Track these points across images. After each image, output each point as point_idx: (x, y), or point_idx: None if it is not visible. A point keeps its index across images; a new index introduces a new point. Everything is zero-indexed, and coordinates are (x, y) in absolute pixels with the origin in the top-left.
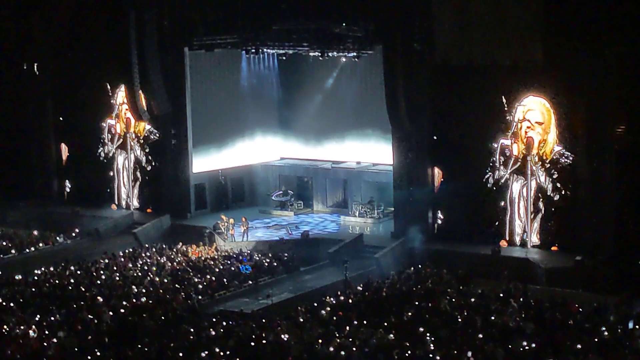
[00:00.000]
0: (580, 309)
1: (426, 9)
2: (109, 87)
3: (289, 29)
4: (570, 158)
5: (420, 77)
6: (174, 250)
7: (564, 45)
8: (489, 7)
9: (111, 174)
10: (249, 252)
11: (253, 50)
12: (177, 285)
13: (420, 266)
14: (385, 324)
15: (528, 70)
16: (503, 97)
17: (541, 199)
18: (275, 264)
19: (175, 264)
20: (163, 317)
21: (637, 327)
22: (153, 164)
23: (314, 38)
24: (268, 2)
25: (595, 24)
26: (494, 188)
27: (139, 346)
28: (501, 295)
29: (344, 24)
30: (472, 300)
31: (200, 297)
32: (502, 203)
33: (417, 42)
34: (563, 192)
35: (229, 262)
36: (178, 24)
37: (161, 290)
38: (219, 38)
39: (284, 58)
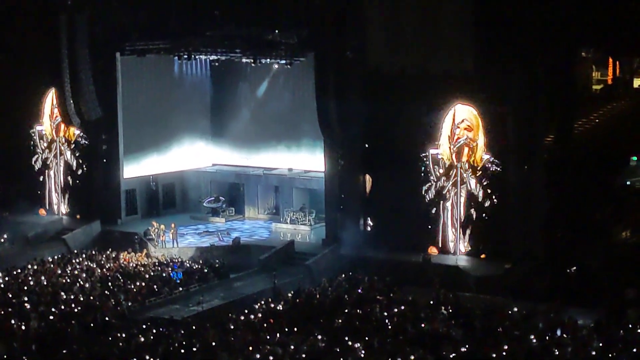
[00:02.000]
0: (510, 317)
1: (359, 17)
2: (39, 91)
3: (222, 35)
4: (499, 167)
5: (352, 85)
6: (104, 256)
7: (494, 56)
8: (421, 17)
9: (41, 179)
10: (180, 258)
11: (185, 56)
12: (107, 292)
13: (351, 273)
14: (316, 331)
15: (459, 79)
16: (432, 104)
17: (472, 207)
18: (206, 270)
19: (105, 270)
20: (92, 324)
21: (564, 335)
22: (83, 168)
23: (247, 44)
24: (201, 8)
25: (525, 35)
26: (426, 195)
27: (67, 353)
28: (431, 302)
29: (276, 31)
30: (403, 307)
31: (130, 304)
32: (434, 210)
33: (350, 50)
34: (493, 200)
35: (159, 268)
36: (110, 29)
37: (91, 297)
38: (151, 43)
39: (217, 64)
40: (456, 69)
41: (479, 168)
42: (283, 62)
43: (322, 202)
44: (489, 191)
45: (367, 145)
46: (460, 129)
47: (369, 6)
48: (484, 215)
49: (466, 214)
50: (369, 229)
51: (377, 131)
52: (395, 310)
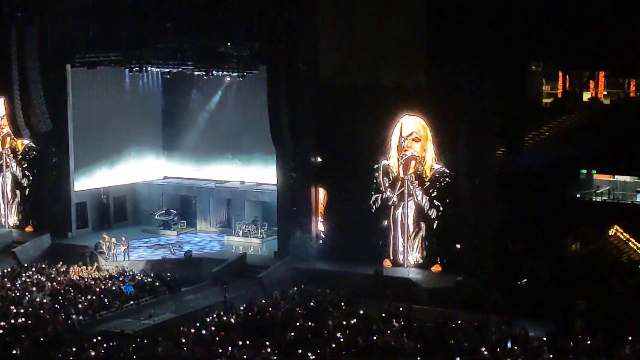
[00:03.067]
0: (461, 329)
1: (311, 30)
2: None
3: (174, 47)
4: (448, 178)
5: (305, 98)
6: (55, 269)
7: (445, 69)
8: (373, 30)
9: None
10: (131, 271)
11: (137, 69)
12: (57, 306)
13: (303, 286)
14: (268, 344)
15: (411, 92)
16: (382, 116)
17: (421, 218)
18: (157, 283)
19: (55, 283)
20: (42, 338)
21: (515, 346)
22: (31, 180)
23: (199, 57)
24: (153, 20)
25: (476, 49)
26: (377, 207)
27: None
28: (383, 315)
29: (228, 44)
30: (355, 320)
31: (81, 318)
32: (385, 222)
33: (302, 62)
34: (442, 211)
35: (110, 281)
36: (60, 41)
37: (41, 311)
38: (102, 55)
39: (168, 76)
40: (408, 82)
41: (427, 180)
42: (235, 74)
43: (274, 214)
44: (436, 203)
45: (319, 159)
46: (408, 140)
47: (321, 19)
48: (432, 227)
49: (415, 226)
50: (321, 241)
51: (329, 143)
52: (348, 322)
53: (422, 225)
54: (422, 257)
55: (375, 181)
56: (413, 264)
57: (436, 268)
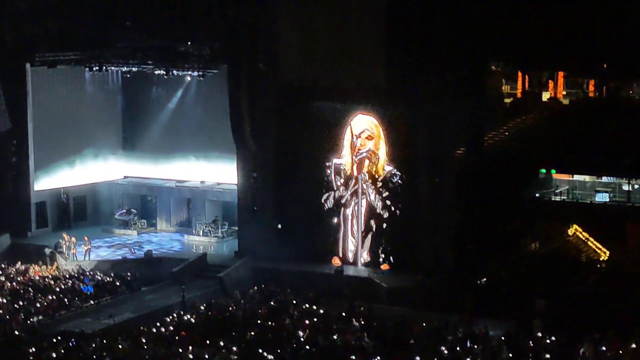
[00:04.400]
0: (421, 328)
1: (271, 29)
2: None
3: (134, 47)
4: (401, 180)
5: (265, 98)
6: (14, 269)
7: (405, 68)
8: (334, 30)
9: None
10: (90, 271)
11: (96, 68)
12: (16, 305)
13: (264, 285)
14: (229, 343)
15: (370, 91)
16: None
17: (372, 217)
18: (117, 283)
19: (14, 283)
20: (1, 338)
21: (475, 345)
22: None
23: (159, 56)
24: (112, 19)
25: (435, 48)
26: (325, 205)
27: None
28: (343, 314)
29: (189, 43)
30: (315, 319)
31: (40, 317)
32: (335, 220)
33: (262, 62)
34: (394, 210)
35: (70, 281)
36: (20, 39)
37: (0, 310)
38: (61, 54)
39: (129, 76)
40: (368, 82)
41: (379, 179)
42: (196, 74)
43: (234, 214)
44: (388, 202)
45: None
46: (361, 139)
47: (282, 19)
48: (382, 226)
49: (366, 224)
50: (281, 240)
51: (289, 143)
52: (308, 322)
53: (372, 224)
54: (370, 256)
55: (326, 179)
56: (362, 262)
57: (384, 267)
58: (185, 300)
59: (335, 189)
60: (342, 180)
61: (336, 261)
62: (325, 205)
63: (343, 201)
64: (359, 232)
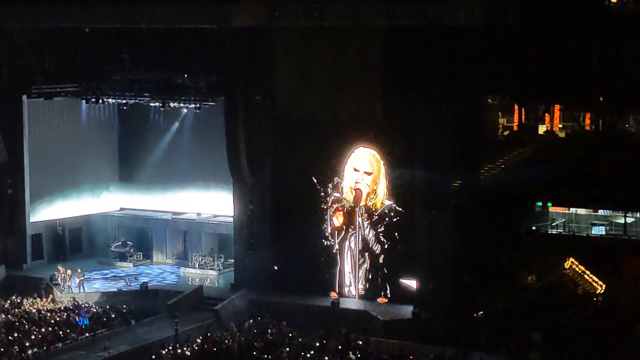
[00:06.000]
0: None
1: (268, 62)
2: None
3: (130, 79)
4: (398, 215)
5: (262, 130)
6: (9, 301)
7: (402, 102)
8: (331, 63)
9: None
10: (86, 303)
11: (93, 100)
12: (11, 338)
13: (260, 318)
14: None
15: (367, 125)
16: (338, 149)
17: (366, 251)
18: (113, 315)
19: (9, 315)
20: None
21: None
22: None
23: (155, 88)
24: (109, 52)
25: (432, 81)
26: (328, 239)
27: None
28: (339, 347)
29: (185, 75)
30: (311, 352)
31: (35, 350)
32: (332, 252)
33: (259, 94)
34: (389, 244)
35: (65, 314)
36: (16, 71)
37: None
38: (58, 86)
39: (125, 108)
40: (365, 115)
41: (376, 214)
42: (192, 106)
43: (231, 246)
44: (382, 238)
45: (276, 193)
46: (359, 173)
47: (279, 52)
48: (377, 260)
49: (362, 257)
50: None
51: (286, 175)
52: (304, 354)
53: (368, 257)
54: (364, 289)
55: (324, 212)
56: (355, 295)
57: (382, 300)
58: (179, 333)
59: (332, 222)
60: (339, 213)
61: (334, 294)
62: (323, 238)
63: (340, 234)
64: (355, 265)
